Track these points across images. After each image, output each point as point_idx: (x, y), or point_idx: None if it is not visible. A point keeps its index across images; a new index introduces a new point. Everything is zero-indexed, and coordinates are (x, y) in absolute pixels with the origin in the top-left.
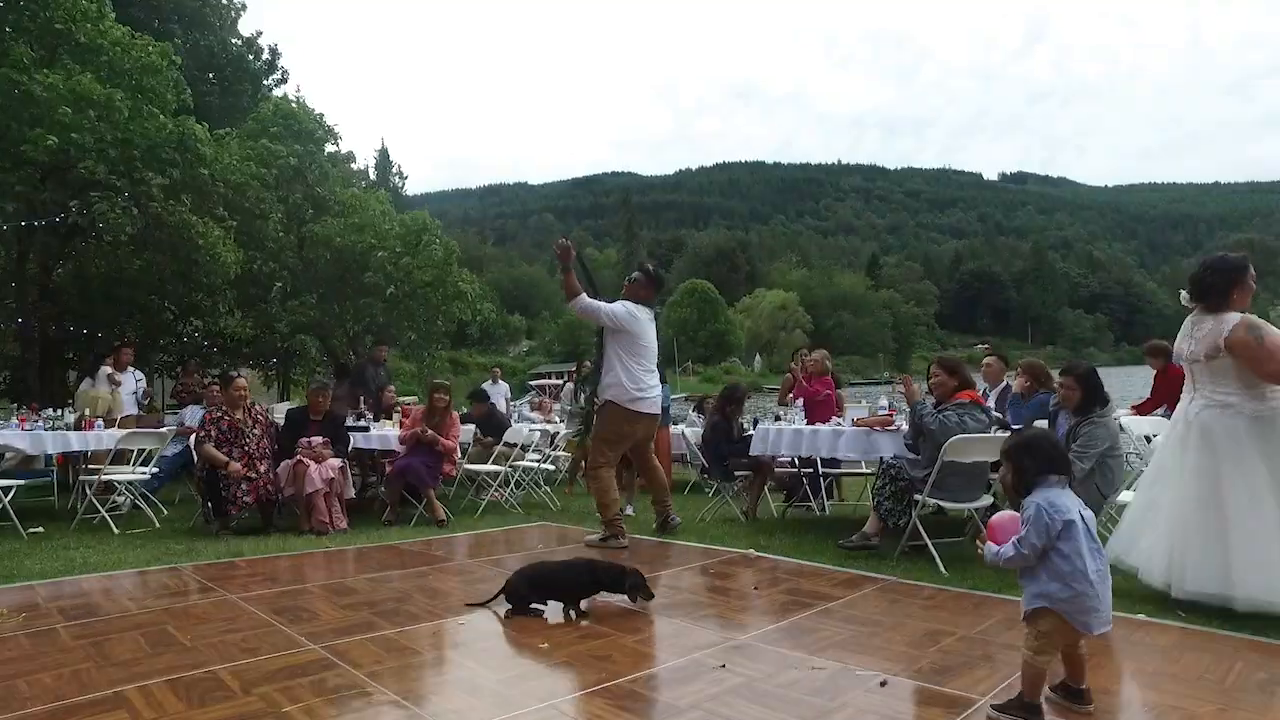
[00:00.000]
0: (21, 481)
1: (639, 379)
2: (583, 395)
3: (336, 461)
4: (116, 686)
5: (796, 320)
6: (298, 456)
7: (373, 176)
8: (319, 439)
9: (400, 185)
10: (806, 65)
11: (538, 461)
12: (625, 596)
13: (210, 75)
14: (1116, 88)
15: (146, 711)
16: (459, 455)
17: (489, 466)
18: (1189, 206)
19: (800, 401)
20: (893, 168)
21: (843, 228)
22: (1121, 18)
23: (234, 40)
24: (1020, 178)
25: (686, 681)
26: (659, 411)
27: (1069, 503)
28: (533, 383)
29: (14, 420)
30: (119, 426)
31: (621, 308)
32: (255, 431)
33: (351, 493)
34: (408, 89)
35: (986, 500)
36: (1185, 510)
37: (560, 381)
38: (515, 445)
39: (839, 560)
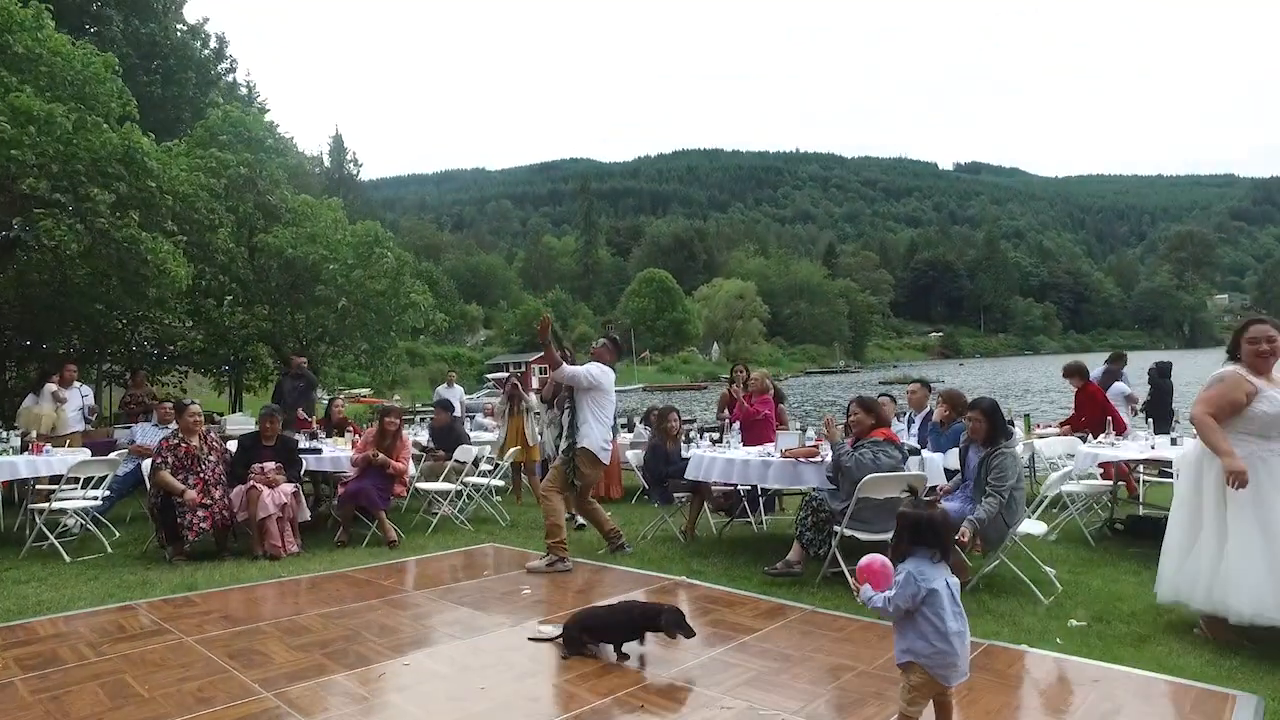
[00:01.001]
0: None
1: (606, 434)
2: (527, 416)
3: (289, 486)
4: None
5: (754, 309)
6: (250, 482)
7: (327, 163)
8: (271, 464)
9: (355, 172)
10: (766, 51)
11: (488, 477)
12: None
13: (154, 64)
14: (1067, 79)
15: None
16: (410, 475)
17: (440, 485)
18: (1134, 198)
19: (738, 425)
20: (850, 156)
21: (800, 216)
22: (1073, 12)
23: (178, 26)
24: (974, 168)
25: (615, 717)
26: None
27: (935, 573)
28: (489, 375)
29: None
30: (67, 444)
31: (596, 368)
32: (211, 458)
33: (306, 516)
34: (361, 72)
35: None
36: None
37: (512, 374)
38: (466, 463)
39: (764, 587)
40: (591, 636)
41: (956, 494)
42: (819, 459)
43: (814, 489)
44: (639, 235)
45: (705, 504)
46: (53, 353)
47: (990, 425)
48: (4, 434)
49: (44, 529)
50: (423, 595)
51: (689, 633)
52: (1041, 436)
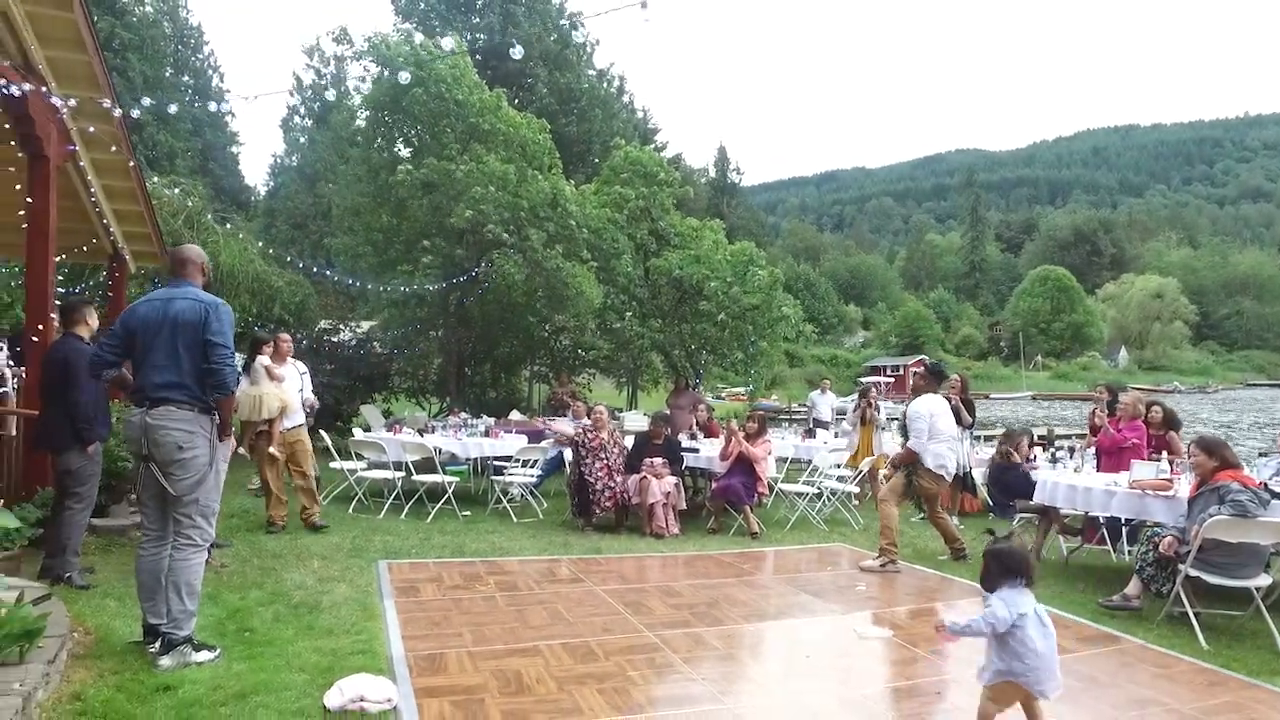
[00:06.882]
0: (456, 478)
1: (944, 451)
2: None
3: (672, 479)
4: (534, 641)
5: (1176, 310)
6: (643, 474)
7: (712, 174)
8: (659, 460)
9: (738, 180)
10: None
11: (843, 483)
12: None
13: (570, 107)
14: None
15: (551, 660)
16: (768, 470)
17: (799, 486)
18: None
19: (1092, 450)
20: None
21: (1246, 194)
22: None
23: (589, 72)
24: None
25: (908, 698)
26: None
27: (1024, 600)
28: (864, 379)
29: (448, 430)
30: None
31: (925, 408)
32: (614, 450)
33: (683, 505)
34: (742, 83)
35: (1265, 580)
36: None
37: (890, 380)
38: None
39: (1096, 616)
40: None
41: None
42: (1171, 493)
43: (1157, 524)
44: (1032, 229)
45: (1053, 528)
46: (500, 356)
47: None
48: (474, 422)
49: (500, 495)
50: (773, 579)
51: None
52: None
